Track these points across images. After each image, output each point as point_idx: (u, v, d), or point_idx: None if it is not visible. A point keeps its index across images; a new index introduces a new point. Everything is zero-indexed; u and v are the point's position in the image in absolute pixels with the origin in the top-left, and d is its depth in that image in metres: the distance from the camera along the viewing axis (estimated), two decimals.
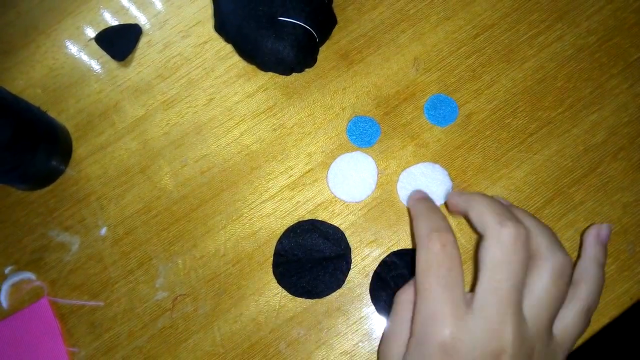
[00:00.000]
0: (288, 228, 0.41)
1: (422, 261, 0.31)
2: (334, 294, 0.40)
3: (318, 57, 0.45)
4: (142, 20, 0.49)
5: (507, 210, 0.32)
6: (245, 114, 0.45)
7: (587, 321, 0.32)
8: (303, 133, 0.44)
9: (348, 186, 0.42)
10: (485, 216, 0.32)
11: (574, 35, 0.44)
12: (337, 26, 0.46)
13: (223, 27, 0.46)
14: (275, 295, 0.40)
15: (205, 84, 0.46)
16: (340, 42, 0.46)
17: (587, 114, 0.42)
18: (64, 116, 0.47)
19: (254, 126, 0.45)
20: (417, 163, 0.42)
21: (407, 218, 0.41)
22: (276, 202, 0.42)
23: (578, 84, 0.43)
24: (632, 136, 0.41)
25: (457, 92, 0.43)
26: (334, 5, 0.47)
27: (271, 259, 0.41)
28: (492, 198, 0.34)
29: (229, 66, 0.47)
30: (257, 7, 0.43)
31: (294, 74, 0.45)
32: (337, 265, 0.40)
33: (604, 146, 0.41)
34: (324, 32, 0.45)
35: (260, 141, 0.44)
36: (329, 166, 0.42)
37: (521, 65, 0.44)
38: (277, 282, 0.40)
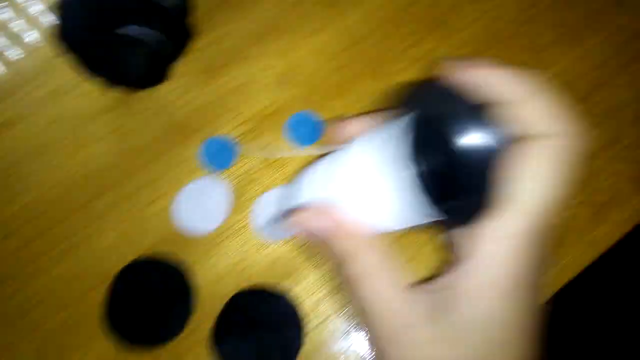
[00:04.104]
0: (125, 267, 0.36)
1: None
2: (176, 339, 0.35)
3: (174, 72, 0.41)
4: None
5: None
6: (88, 136, 0.40)
7: None
8: (152, 155, 0.39)
9: (197, 215, 0.37)
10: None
11: (447, 46, 0.42)
12: (199, 37, 0.42)
13: (66, 37, 0.41)
14: (107, 347, 0.35)
15: (48, 104, 0.41)
16: (202, 55, 0.42)
17: None
18: None
19: (97, 149, 0.40)
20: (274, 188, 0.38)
21: (265, 250, 0.37)
22: (118, 234, 0.37)
23: None
24: None
25: (323, 109, 0.40)
26: (198, 14, 0.42)
27: (108, 303, 0.35)
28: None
29: (73, 84, 0.42)
30: (103, 19, 0.38)
31: (145, 90, 0.41)
32: (179, 306, 0.35)
33: None
34: (177, 46, 0.41)
35: (105, 167, 0.39)
36: (178, 193, 0.38)
37: (389, 79, 0.41)
38: (110, 328, 0.35)
